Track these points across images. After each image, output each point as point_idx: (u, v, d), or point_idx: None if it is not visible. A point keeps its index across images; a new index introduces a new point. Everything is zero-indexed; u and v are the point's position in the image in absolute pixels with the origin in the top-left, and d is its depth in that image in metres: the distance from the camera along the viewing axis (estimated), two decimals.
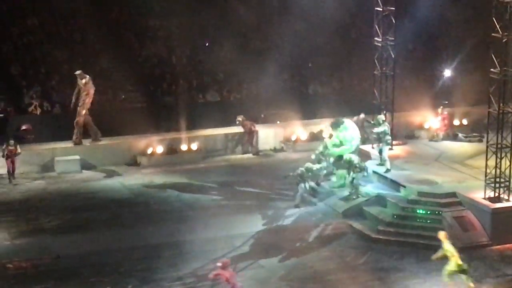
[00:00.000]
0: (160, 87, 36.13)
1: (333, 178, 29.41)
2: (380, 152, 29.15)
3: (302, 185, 28.24)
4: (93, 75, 35.41)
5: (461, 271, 22.40)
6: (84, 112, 31.89)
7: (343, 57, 36.25)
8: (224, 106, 35.30)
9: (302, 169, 28.35)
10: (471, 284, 22.52)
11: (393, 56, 30.60)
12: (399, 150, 31.19)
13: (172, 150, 32.66)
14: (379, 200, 27.66)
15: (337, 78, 37.42)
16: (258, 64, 36.06)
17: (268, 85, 34.95)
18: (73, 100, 32.04)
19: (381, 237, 26.06)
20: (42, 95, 35.01)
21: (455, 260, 22.28)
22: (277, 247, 25.49)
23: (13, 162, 30.06)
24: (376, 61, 30.69)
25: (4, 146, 29.99)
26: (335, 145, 29.13)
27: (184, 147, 32.92)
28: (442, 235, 22.73)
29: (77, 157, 31.54)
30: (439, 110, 33.19)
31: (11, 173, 30.15)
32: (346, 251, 25.20)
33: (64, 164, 31.43)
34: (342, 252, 25.15)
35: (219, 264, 21.17)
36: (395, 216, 26.74)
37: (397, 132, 31.82)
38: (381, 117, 29.71)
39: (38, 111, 34.45)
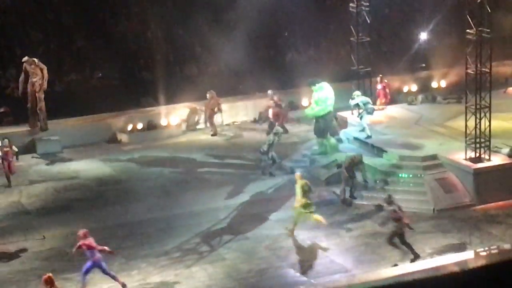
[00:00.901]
0: (137, 63, 35.98)
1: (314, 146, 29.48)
2: (361, 118, 29.23)
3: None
4: (69, 54, 35.34)
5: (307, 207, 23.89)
6: (43, 96, 31.25)
7: (319, 25, 36.17)
8: (202, 79, 35.20)
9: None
10: (322, 221, 23.91)
11: (368, 21, 30.58)
12: (379, 115, 31.25)
13: (152, 125, 32.59)
14: (361, 166, 27.76)
15: (314, 46, 37.35)
16: (233, 36, 35.97)
17: (244, 56, 34.85)
18: (21, 88, 31.40)
19: (363, 202, 26.21)
20: (18, 77, 34.75)
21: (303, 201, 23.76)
22: (261, 217, 25.61)
23: (10, 165, 27.96)
24: (352, 27, 30.67)
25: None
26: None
27: (164, 122, 32.87)
28: (297, 175, 24.28)
29: (57, 137, 31.44)
30: (378, 79, 32.47)
31: (8, 176, 27.92)
32: (330, 218, 25.27)
33: (45, 144, 31.30)
34: (327, 219, 25.21)
35: (79, 233, 21.26)
36: (377, 181, 26.86)
37: (376, 96, 31.85)
38: (357, 92, 29.64)
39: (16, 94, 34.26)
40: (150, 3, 37.14)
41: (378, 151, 28.14)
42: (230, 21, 36.71)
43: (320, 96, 29.05)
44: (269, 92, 31.96)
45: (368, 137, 28.78)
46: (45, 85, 31.16)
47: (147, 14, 37.03)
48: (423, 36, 37.15)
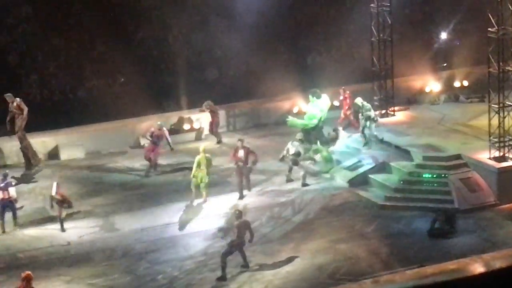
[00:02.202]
0: (159, 67, 36.13)
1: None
2: (363, 130, 29.19)
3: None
4: (90, 60, 35.47)
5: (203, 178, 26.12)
6: (24, 134, 30.14)
7: (339, 26, 36.23)
8: (224, 82, 35.31)
9: None
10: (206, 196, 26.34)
11: (389, 22, 30.62)
12: (401, 115, 31.25)
13: (174, 130, 32.67)
14: (385, 167, 27.77)
15: (336, 47, 37.43)
16: (254, 39, 36.08)
17: (266, 59, 34.95)
18: (8, 127, 30.25)
19: (388, 203, 26.22)
20: (41, 83, 35.04)
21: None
22: (285, 219, 25.66)
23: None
24: (373, 28, 30.71)
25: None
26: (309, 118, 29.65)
27: (186, 126, 32.95)
28: (202, 149, 26.43)
29: (81, 143, 31.61)
30: (341, 90, 32.16)
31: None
32: (354, 219, 25.40)
33: (69, 150, 31.47)
34: (351, 221, 25.33)
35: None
36: (401, 182, 26.86)
37: (398, 97, 31.79)
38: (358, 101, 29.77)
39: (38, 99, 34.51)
40: (171, 8, 37.28)
41: (401, 150, 28.15)
42: (250, 24, 36.77)
43: (313, 112, 29.45)
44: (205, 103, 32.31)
45: (382, 139, 28.85)
46: (22, 125, 29.93)
47: (168, 19, 37.18)
48: (444, 35, 37.13)
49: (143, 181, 29.21)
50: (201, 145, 27.97)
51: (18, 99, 29.96)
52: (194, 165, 26.68)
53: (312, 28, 37.51)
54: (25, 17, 37.02)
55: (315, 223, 25.40)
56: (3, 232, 25.58)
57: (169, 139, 29.77)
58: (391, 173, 27.47)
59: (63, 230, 25.31)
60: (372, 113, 29.09)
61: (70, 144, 31.71)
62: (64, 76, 35.35)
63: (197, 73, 35.71)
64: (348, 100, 31.79)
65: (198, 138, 32.51)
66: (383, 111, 30.89)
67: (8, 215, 25.74)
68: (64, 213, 25.50)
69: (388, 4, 30.35)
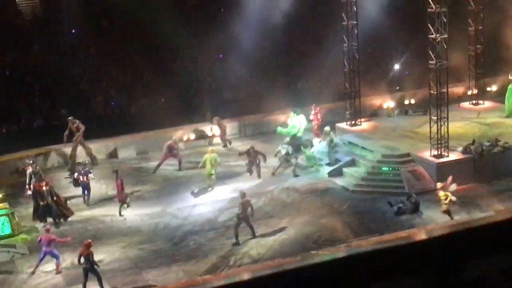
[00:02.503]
0: (189, 90, 36.02)
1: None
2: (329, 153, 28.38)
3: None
4: (140, 85, 35.36)
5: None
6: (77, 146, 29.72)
7: (321, 60, 36.08)
8: (237, 102, 35.21)
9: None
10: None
11: (357, 57, 30.55)
12: (366, 125, 31.16)
13: (201, 136, 32.57)
14: (354, 162, 27.69)
15: (318, 75, 37.23)
16: (258, 68, 35.98)
17: (267, 83, 34.82)
18: (65, 140, 29.53)
19: (357, 189, 26.15)
20: (104, 102, 34.98)
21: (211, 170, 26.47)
22: (282, 200, 25.67)
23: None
24: (345, 61, 30.65)
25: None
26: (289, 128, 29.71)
27: (209, 133, 32.87)
28: (210, 150, 27.04)
29: (133, 145, 31.51)
30: (312, 107, 31.44)
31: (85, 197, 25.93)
32: (332, 200, 25.32)
33: (124, 151, 31.40)
34: (330, 201, 25.26)
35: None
36: (366, 173, 26.80)
37: (363, 112, 31.69)
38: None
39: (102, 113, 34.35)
40: (198, 47, 37.22)
41: (366, 150, 28.07)
42: (256, 58, 36.70)
43: (294, 123, 29.74)
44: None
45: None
46: (79, 139, 29.61)
47: (196, 55, 37.13)
48: (397, 66, 37.05)
49: (177, 174, 29.09)
50: (209, 148, 27.98)
51: (77, 120, 29.50)
52: (201, 162, 26.85)
53: (301, 61, 37.44)
54: (92, 54, 37.01)
55: (304, 203, 25.32)
56: (87, 205, 25.82)
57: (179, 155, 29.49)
58: (359, 167, 27.37)
59: (120, 215, 24.77)
60: (334, 140, 28.53)
61: (125, 146, 31.62)
62: (121, 97, 35.24)
63: (216, 94, 35.57)
64: (318, 115, 31.37)
65: (210, 143, 32.02)
66: (353, 122, 30.79)
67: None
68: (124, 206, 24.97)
69: (356, 44, 30.26)
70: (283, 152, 27.82)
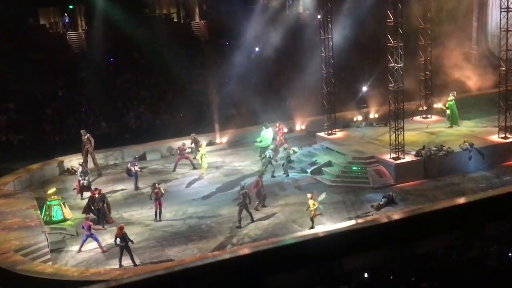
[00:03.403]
0: (202, 107, 35.93)
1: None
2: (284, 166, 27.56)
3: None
4: (164, 103, 35.27)
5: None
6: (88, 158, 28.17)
7: (304, 83, 36.07)
8: (239, 116, 35.16)
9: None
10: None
11: (333, 81, 30.57)
12: (340, 134, 31.16)
13: (211, 143, 32.51)
14: (330, 163, 27.68)
15: (302, 95, 37.22)
16: (255, 90, 35.97)
17: (262, 101, 34.85)
18: (83, 153, 28.14)
19: (333, 184, 26.14)
20: (135, 117, 34.91)
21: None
22: (274, 193, 25.56)
23: (160, 204, 23.26)
24: (323, 84, 30.67)
25: (151, 190, 23.81)
26: (260, 141, 29.10)
27: (218, 140, 32.81)
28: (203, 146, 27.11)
29: (158, 150, 31.31)
30: (277, 124, 30.55)
31: (158, 213, 23.27)
32: (314, 193, 25.17)
33: (151, 155, 31.27)
34: (312, 194, 25.15)
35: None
36: (340, 172, 26.80)
37: (338, 124, 31.69)
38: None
39: (135, 126, 34.18)
40: (209, 74, 37.19)
41: (340, 154, 28.08)
42: (255, 81, 36.67)
43: (266, 135, 29.09)
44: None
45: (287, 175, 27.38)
46: (90, 150, 28.16)
47: (207, 79, 37.07)
48: (365, 88, 37.09)
49: (192, 172, 28.83)
50: (203, 146, 28.06)
51: (87, 134, 28.26)
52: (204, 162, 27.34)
53: (289, 84, 37.44)
54: (126, 79, 37.02)
55: (291, 195, 25.27)
56: (135, 190, 26.14)
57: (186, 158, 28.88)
58: (334, 167, 27.37)
59: (158, 220, 22.92)
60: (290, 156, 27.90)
61: (152, 151, 31.36)
62: (148, 113, 35.19)
63: (223, 110, 35.51)
64: (281, 130, 30.49)
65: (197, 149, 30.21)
66: (330, 132, 30.78)
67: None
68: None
69: (332, 71, 30.28)
70: (267, 156, 27.58)
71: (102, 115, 34.36)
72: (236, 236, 21.60)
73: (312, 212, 21.70)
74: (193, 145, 29.75)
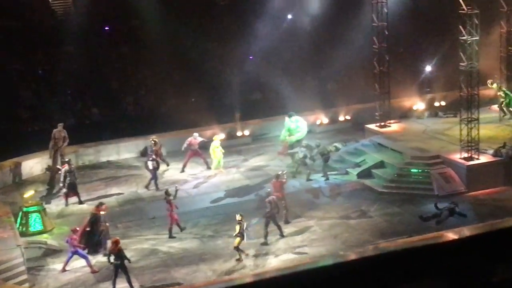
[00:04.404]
0: (218, 91, 36.09)
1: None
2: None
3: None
4: (170, 85, 35.54)
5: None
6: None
7: (351, 61, 35.98)
8: (265, 102, 35.22)
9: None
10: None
11: (387, 58, 30.50)
12: (395, 126, 31.08)
13: (230, 136, 32.68)
14: (383, 164, 27.65)
15: (348, 76, 37.15)
16: (289, 69, 36.00)
17: (298, 85, 34.82)
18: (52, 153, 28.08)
19: (385, 190, 26.14)
20: (135, 102, 35.24)
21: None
22: (311, 202, 25.70)
23: (173, 218, 23.26)
24: (375, 62, 30.60)
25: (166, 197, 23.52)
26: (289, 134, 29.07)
27: (239, 133, 32.97)
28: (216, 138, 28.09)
29: (163, 145, 31.38)
30: (285, 118, 30.03)
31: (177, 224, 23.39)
32: (361, 202, 25.34)
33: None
34: (358, 203, 25.28)
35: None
36: (395, 175, 26.76)
37: (393, 113, 31.60)
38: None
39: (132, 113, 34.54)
40: (228, 47, 37.31)
41: (395, 152, 28.02)
42: (287, 59, 36.72)
43: (299, 125, 29.05)
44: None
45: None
46: (61, 151, 28.08)
47: (225, 56, 37.20)
48: (428, 68, 36.86)
49: (207, 173, 29.02)
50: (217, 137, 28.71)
51: (65, 132, 28.11)
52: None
53: (331, 63, 37.34)
54: (122, 53, 37.30)
55: (332, 204, 25.40)
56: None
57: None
58: (387, 168, 27.34)
59: (171, 236, 23.11)
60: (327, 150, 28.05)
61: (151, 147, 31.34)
62: (150, 97, 35.50)
63: (245, 95, 35.62)
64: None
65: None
66: (382, 123, 30.73)
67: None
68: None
69: (385, 45, 30.21)
70: (301, 155, 27.71)
71: (93, 99, 34.76)
72: (260, 256, 21.74)
73: (237, 241, 21.32)
74: (150, 151, 28.06)
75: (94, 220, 22.41)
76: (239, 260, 21.30)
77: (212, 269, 21.01)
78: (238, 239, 21.37)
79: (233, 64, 36.86)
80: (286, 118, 29.59)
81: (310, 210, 24.89)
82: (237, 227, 21.42)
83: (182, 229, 23.44)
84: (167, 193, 23.39)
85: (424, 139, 29.11)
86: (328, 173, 27.58)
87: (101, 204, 22.85)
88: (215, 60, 37.61)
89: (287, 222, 23.74)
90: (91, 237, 22.21)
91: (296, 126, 29.23)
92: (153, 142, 28.30)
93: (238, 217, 21.49)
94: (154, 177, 27.16)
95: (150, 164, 27.12)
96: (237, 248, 21.42)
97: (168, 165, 29.22)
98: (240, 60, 37.02)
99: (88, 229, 22.24)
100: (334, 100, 34.47)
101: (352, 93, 34.78)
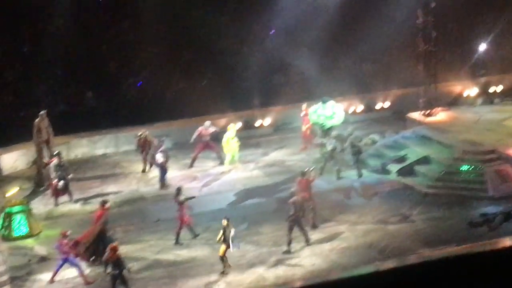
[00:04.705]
0: (234, 73, 36.14)
1: None
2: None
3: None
4: (179, 66, 35.66)
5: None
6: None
7: (391, 38, 35.95)
8: (289, 86, 35.28)
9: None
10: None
11: (434, 34, 30.40)
12: (443, 115, 31.02)
13: (248, 126, 32.75)
14: (427, 159, 27.61)
15: (387, 56, 37.13)
16: (316, 48, 35.97)
17: (326, 64, 34.83)
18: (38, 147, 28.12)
19: (430, 191, 26.08)
20: (137, 85, 35.35)
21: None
22: (341, 204, 25.76)
23: (183, 221, 23.33)
24: (420, 40, 30.51)
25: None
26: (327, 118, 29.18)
27: (258, 122, 33.02)
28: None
29: (169, 136, 31.52)
30: (303, 106, 30.49)
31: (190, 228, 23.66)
32: (401, 204, 25.33)
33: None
34: (398, 205, 25.27)
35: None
36: (442, 173, 26.70)
37: (440, 100, 31.54)
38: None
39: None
40: (246, 22, 37.33)
41: (442, 146, 27.98)
42: (314, 36, 36.69)
43: (335, 110, 29.08)
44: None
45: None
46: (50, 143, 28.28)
47: (242, 32, 37.21)
48: (482, 46, 36.72)
49: (219, 169, 29.33)
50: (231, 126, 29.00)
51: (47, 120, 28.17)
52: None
53: (368, 39, 37.28)
54: (123, 28, 37.35)
55: (367, 207, 25.42)
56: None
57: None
58: (433, 165, 27.28)
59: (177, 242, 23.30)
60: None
61: (160, 136, 30.25)
62: (155, 79, 35.62)
63: (266, 77, 35.67)
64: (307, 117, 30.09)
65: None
66: (427, 112, 30.69)
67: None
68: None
69: (433, 19, 30.13)
70: (329, 147, 27.78)
71: (88, 82, 34.94)
72: (282, 265, 21.81)
73: (222, 250, 21.37)
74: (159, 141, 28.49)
75: (105, 222, 22.43)
76: (223, 273, 21.30)
77: (226, 282, 21.11)
78: (223, 247, 21.36)
79: (252, 41, 36.90)
80: (318, 105, 29.53)
81: (341, 214, 24.93)
82: (220, 233, 21.36)
83: (195, 236, 23.52)
84: (178, 190, 23.35)
85: (477, 131, 29.06)
86: (362, 169, 27.60)
87: (105, 202, 22.68)
88: (230, 37, 37.66)
89: (314, 227, 23.83)
90: (101, 243, 22.00)
91: (332, 112, 29.24)
92: (140, 135, 28.25)
93: (224, 222, 21.42)
94: (163, 172, 27.27)
95: (160, 157, 27.19)
96: (221, 258, 21.40)
97: (150, 166, 28.93)
98: (259, 36, 37.07)
99: (99, 233, 22.12)
100: (371, 84, 34.50)
101: (392, 76, 34.79)
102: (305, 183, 23.92)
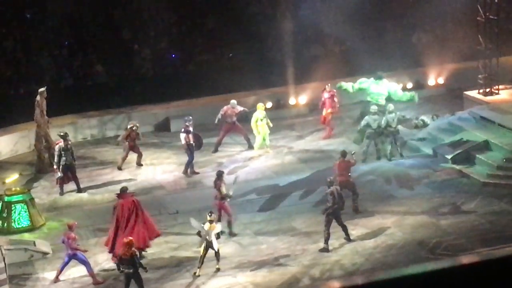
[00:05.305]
0: (266, 43, 36.13)
1: None
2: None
3: None
4: (201, 35, 35.73)
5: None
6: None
7: (445, 4, 35.78)
8: (328, 59, 35.23)
9: None
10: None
11: (496, 0, 30.21)
12: (506, 94, 30.82)
13: (280, 105, 32.77)
14: (487, 144, 27.50)
15: (441, 25, 36.98)
16: (359, 17, 35.90)
17: (371, 36, 34.74)
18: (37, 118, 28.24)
19: (490, 181, 25.98)
20: (153, 57, 35.42)
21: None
22: (388, 194, 25.82)
23: (222, 207, 23.58)
24: (479, 6, 30.33)
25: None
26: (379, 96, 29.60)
27: (292, 101, 33.04)
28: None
29: (190, 117, 31.61)
30: (327, 87, 30.10)
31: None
32: (456, 196, 25.28)
33: (178, 123, 30.88)
34: (453, 197, 25.22)
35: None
36: (504, 160, 26.58)
37: (503, 76, 31.34)
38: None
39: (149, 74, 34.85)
40: None
41: (505, 129, 27.83)
42: (357, 2, 36.62)
43: (389, 86, 29.66)
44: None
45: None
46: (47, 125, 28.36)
47: None
48: None
49: (247, 154, 29.48)
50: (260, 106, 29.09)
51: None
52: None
53: (419, 6, 37.14)
54: None
55: (417, 199, 25.40)
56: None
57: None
58: (493, 151, 27.16)
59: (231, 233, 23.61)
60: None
61: (180, 116, 30.77)
62: (175, 50, 35.70)
63: (302, 49, 35.68)
64: (335, 99, 29.87)
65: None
66: (487, 90, 30.51)
67: None
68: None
69: None
70: (374, 125, 27.79)
71: (98, 54, 35.13)
72: (319, 265, 21.89)
73: (202, 251, 21.42)
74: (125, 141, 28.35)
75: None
76: (195, 274, 21.37)
77: (254, 283, 21.23)
78: (203, 246, 21.34)
79: (285, 7, 36.87)
80: (370, 81, 29.51)
81: (386, 206, 24.97)
82: (204, 227, 21.29)
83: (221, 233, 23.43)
84: (219, 174, 23.53)
85: None
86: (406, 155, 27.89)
87: (124, 189, 22.61)
88: (262, 1, 37.65)
89: (356, 211, 24.10)
90: None
91: (387, 89, 29.55)
92: (132, 127, 28.09)
93: (209, 217, 21.43)
94: (191, 157, 27.35)
95: (183, 138, 27.19)
96: (200, 259, 21.41)
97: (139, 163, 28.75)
98: (294, 1, 37.03)
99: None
100: (422, 58, 34.32)
101: (447, 48, 34.59)
102: (344, 166, 23.97)
